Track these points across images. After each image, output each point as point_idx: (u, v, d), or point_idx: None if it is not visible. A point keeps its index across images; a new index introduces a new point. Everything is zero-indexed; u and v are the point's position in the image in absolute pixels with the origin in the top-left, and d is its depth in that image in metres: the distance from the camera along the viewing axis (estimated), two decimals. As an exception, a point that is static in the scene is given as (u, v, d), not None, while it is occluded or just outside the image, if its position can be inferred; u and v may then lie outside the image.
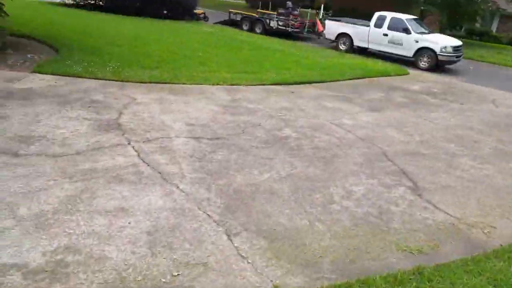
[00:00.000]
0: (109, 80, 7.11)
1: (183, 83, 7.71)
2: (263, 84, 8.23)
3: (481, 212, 4.00)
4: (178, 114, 5.84)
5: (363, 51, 13.88)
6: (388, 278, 2.83)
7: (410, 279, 2.86)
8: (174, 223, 3.28)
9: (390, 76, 10.69)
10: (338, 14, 18.40)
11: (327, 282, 2.81)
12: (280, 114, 6.46)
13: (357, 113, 7.05)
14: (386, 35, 13.00)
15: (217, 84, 7.97)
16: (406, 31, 12.55)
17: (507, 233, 3.69)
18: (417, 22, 13.39)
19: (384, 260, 3.11)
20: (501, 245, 3.48)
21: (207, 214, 3.46)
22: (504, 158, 5.58)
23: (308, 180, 4.24)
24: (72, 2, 17.77)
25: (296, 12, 16.71)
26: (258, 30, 16.72)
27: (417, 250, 3.27)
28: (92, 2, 17.79)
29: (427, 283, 2.84)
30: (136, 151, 4.41)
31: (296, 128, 5.83)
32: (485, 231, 3.68)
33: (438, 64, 12.33)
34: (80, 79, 6.92)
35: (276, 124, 5.94)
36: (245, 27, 17.07)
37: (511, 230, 3.73)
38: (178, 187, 3.81)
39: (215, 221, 3.38)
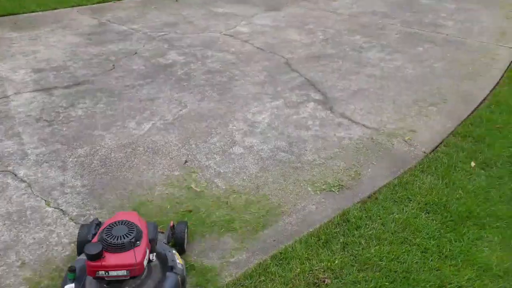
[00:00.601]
0: None
1: (32, 11, 5.98)
2: (138, -4, 6.73)
3: (399, 116, 3.54)
4: (21, 59, 4.40)
5: None
6: (310, 241, 2.25)
7: (336, 233, 2.32)
8: (7, 240, 2.29)
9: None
10: None
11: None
12: (162, 33, 5.26)
13: (254, 15, 6.05)
14: None
15: (78, 5, 6.33)
16: None
17: (427, 136, 3.29)
18: None
19: (301, 212, 2.51)
20: (424, 152, 3.08)
21: (61, 209, 2.51)
22: (412, 42, 5.13)
23: (201, 120, 3.39)
24: None
25: None
26: None
27: (337, 186, 2.72)
28: None
29: (355, 232, 2.33)
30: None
31: (183, 50, 4.76)
32: (406, 138, 3.24)
33: None
34: None
35: (157, 48, 4.79)
36: None
37: (430, 132, 3.34)
38: (16, 175, 2.75)
39: (72, 220, 2.44)
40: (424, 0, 6.90)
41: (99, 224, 2.24)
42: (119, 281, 1.95)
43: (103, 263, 1.86)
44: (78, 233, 2.24)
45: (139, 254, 1.91)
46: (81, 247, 2.18)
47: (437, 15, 6.20)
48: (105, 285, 1.97)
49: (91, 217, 2.42)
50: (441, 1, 6.86)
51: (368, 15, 6.17)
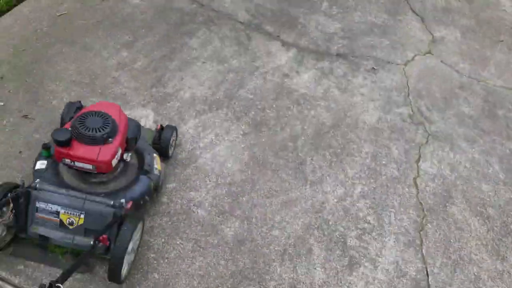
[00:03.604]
0: None
1: None
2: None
3: None
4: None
5: None
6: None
7: None
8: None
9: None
10: None
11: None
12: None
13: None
14: None
15: None
16: None
17: None
18: None
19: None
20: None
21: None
22: None
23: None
24: None
25: None
26: None
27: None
28: None
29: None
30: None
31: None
32: None
33: None
34: None
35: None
36: None
37: None
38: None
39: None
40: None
41: (80, 108, 2.16)
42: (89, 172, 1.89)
43: (69, 151, 1.81)
44: (63, 111, 2.20)
45: (106, 152, 1.81)
46: (63, 124, 2.13)
47: None
48: (75, 171, 1.93)
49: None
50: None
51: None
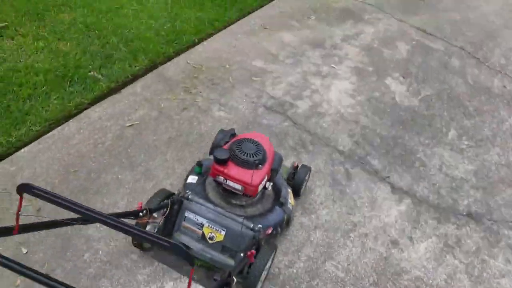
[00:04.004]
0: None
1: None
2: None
3: None
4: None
5: None
6: None
7: None
8: None
9: None
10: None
11: None
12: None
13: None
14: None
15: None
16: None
17: None
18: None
19: None
20: None
21: None
22: None
23: None
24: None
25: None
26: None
27: None
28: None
29: None
30: None
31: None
32: None
33: None
34: None
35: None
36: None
37: None
38: None
39: None
40: None
41: (234, 135, 2.34)
42: (233, 193, 2.06)
43: (225, 170, 1.98)
44: (216, 136, 2.40)
45: (257, 177, 1.97)
46: (214, 149, 2.28)
47: None
48: (221, 190, 2.11)
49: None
50: None
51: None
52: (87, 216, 1.23)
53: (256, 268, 1.88)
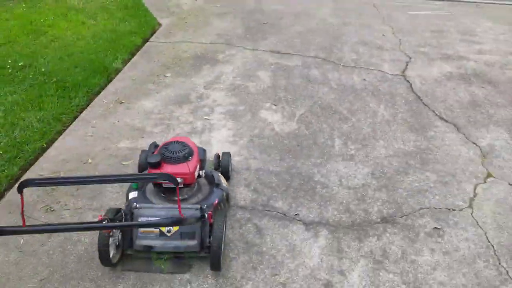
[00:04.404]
0: None
1: None
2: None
3: None
4: None
5: None
6: None
7: None
8: None
9: None
10: None
11: None
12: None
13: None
14: None
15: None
16: None
17: None
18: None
19: None
20: None
21: None
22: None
23: None
24: None
25: None
26: None
27: None
28: None
29: None
30: None
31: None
32: None
33: None
34: None
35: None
36: None
37: None
38: None
39: None
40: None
41: (156, 146, 2.57)
42: (173, 191, 2.31)
43: (162, 170, 2.25)
44: (140, 155, 2.86)
45: (191, 165, 2.30)
46: (141, 169, 2.78)
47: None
48: (162, 194, 2.42)
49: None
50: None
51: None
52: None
53: (216, 237, 2.21)
